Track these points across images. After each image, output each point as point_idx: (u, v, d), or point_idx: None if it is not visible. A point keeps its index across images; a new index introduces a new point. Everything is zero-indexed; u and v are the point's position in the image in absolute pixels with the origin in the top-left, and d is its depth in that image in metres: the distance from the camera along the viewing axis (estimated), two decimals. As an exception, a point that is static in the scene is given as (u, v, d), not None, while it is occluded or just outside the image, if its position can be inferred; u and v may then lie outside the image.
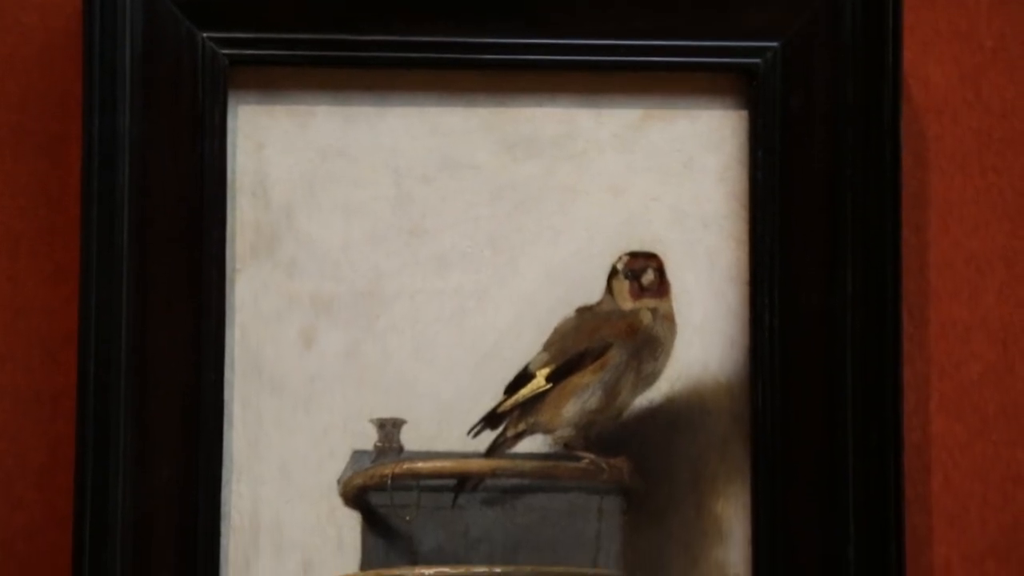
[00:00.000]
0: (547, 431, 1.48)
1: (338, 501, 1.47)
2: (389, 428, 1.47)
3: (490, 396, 1.48)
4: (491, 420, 1.48)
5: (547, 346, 1.48)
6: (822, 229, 1.45)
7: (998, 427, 1.49)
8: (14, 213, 1.49)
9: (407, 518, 1.47)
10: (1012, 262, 1.51)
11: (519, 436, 1.48)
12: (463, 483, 1.48)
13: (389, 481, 1.47)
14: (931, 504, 1.49)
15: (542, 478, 1.48)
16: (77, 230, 1.44)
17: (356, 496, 1.47)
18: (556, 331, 1.48)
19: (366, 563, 1.47)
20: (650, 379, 1.48)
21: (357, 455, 1.47)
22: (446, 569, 1.46)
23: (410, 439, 1.48)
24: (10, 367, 1.48)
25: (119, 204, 1.44)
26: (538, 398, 1.48)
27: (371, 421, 1.47)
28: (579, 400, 1.48)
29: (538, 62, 1.47)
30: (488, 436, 1.48)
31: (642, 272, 1.48)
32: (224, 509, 1.45)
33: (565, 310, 1.48)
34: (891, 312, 1.44)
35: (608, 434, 1.48)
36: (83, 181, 1.43)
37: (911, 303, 1.49)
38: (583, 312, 1.48)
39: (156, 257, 1.45)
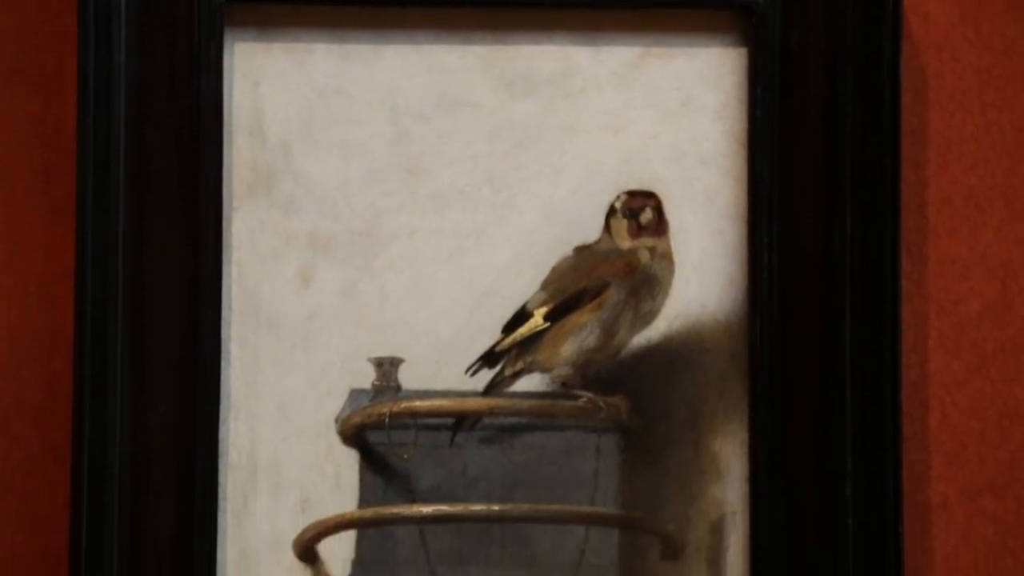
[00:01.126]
0: (545, 370, 1.48)
1: (336, 439, 1.47)
2: (387, 367, 1.47)
3: (488, 335, 1.48)
4: (489, 359, 1.48)
5: (545, 285, 1.48)
6: (821, 167, 1.45)
7: (996, 364, 1.49)
8: (10, 150, 1.49)
9: (405, 456, 1.47)
10: (1011, 199, 1.50)
11: (517, 375, 1.48)
12: (461, 422, 1.48)
13: (387, 420, 1.47)
14: (929, 441, 1.49)
15: (540, 417, 1.48)
16: (73, 168, 1.43)
17: (354, 434, 1.47)
18: (554, 270, 1.48)
19: (364, 501, 1.47)
20: (648, 318, 1.48)
21: (355, 394, 1.47)
22: (444, 507, 1.46)
23: (408, 378, 1.47)
24: (6, 305, 1.48)
25: (115, 142, 1.43)
26: (536, 337, 1.48)
27: (369, 360, 1.47)
28: (577, 339, 1.48)
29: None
30: (486, 375, 1.48)
31: (640, 211, 1.48)
32: (222, 447, 1.45)
33: (563, 249, 1.48)
34: (890, 250, 1.44)
35: (606, 373, 1.48)
36: (79, 119, 1.43)
37: (910, 241, 1.48)
38: (581, 251, 1.48)
39: (152, 195, 1.44)
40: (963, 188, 1.50)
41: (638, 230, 1.48)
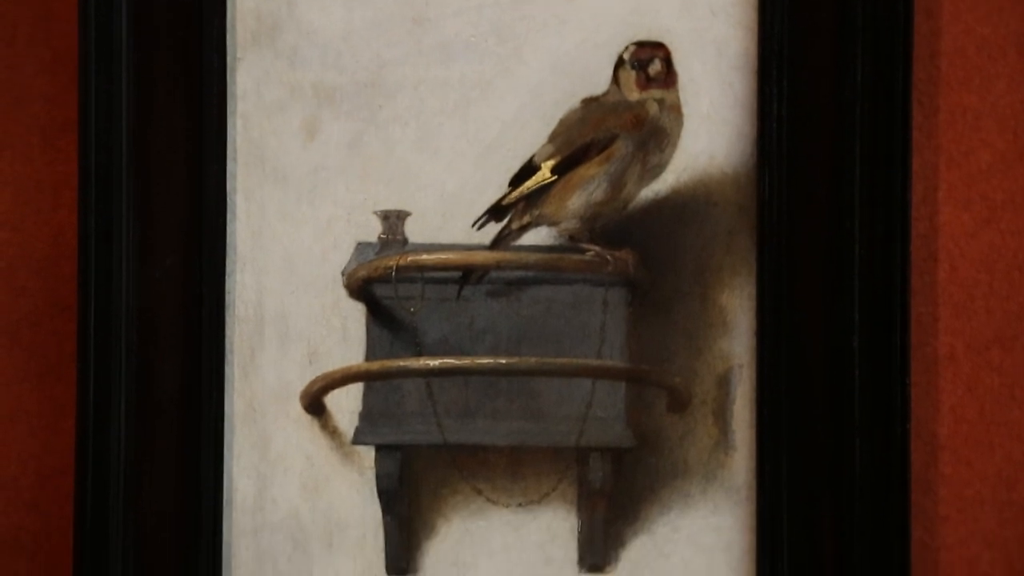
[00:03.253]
0: (552, 223, 1.48)
1: (342, 292, 1.47)
2: (393, 220, 1.47)
3: (495, 188, 1.47)
4: (496, 212, 1.47)
5: (552, 138, 1.47)
6: (831, 16, 1.43)
7: (1006, 216, 1.48)
8: (10, 1, 1.47)
9: (412, 310, 1.47)
10: (1025, 48, 1.49)
11: (524, 228, 1.48)
12: (468, 275, 1.47)
13: (393, 273, 1.47)
14: (937, 294, 1.48)
15: (547, 270, 1.47)
16: (75, 17, 1.42)
17: (360, 288, 1.47)
18: (561, 122, 1.47)
19: (371, 354, 1.47)
20: (656, 170, 1.47)
21: (361, 247, 1.47)
22: (451, 360, 1.47)
23: (414, 231, 1.47)
24: (9, 155, 1.47)
25: (117, -9, 1.42)
26: (543, 190, 1.47)
27: (375, 213, 1.47)
28: (585, 192, 1.47)
29: None
30: (493, 228, 1.47)
31: (649, 62, 1.46)
32: (228, 300, 1.46)
33: (571, 101, 1.47)
34: (900, 100, 1.42)
35: (613, 226, 1.47)
36: (80, -30, 1.42)
37: (921, 91, 1.47)
38: (589, 103, 1.47)
39: (156, 46, 1.43)
40: (976, 38, 1.48)
41: (646, 82, 1.46)
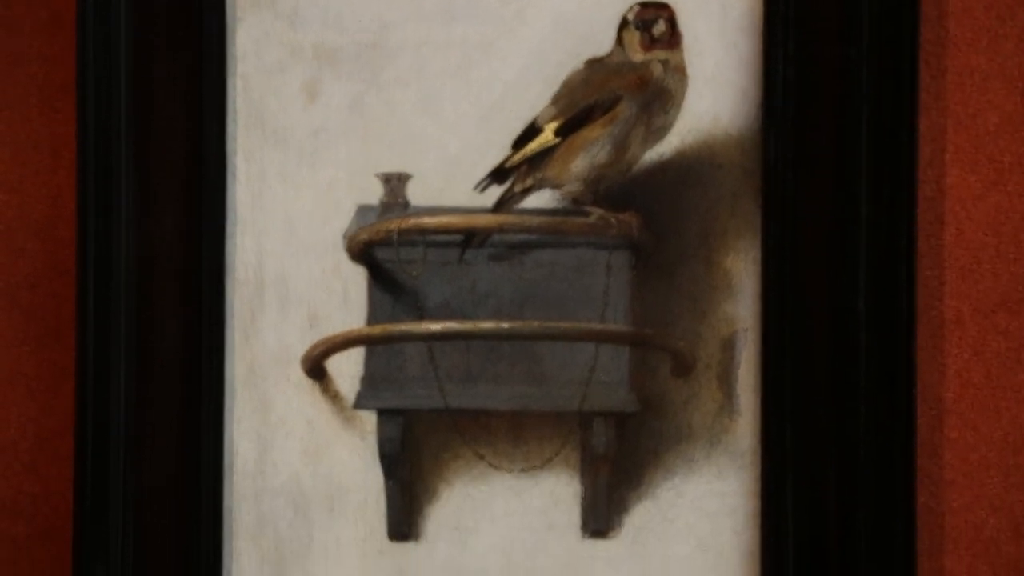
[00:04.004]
0: (555, 186, 1.47)
1: (343, 256, 1.46)
2: (395, 183, 1.46)
3: (497, 150, 1.46)
4: (498, 175, 1.46)
5: (555, 99, 1.46)
6: (838, -25, 1.42)
7: (1013, 178, 1.47)
8: (8, -41, 1.47)
9: (413, 273, 1.46)
10: (1034, 9, 1.48)
11: (527, 191, 1.47)
12: (470, 239, 1.46)
13: (395, 236, 1.46)
14: (943, 257, 1.47)
15: (550, 233, 1.46)
16: (73, -23, 1.41)
17: (361, 251, 1.46)
18: (565, 84, 1.46)
19: (372, 318, 1.46)
20: (660, 133, 1.46)
21: (362, 210, 1.46)
22: (453, 324, 1.46)
23: (416, 194, 1.46)
24: (7, 116, 1.47)
25: (115, -49, 1.41)
26: (546, 153, 1.46)
27: (376, 175, 1.46)
28: (588, 154, 1.46)
29: None
30: (495, 191, 1.46)
31: (653, 22, 1.45)
32: (229, 262, 1.45)
33: (574, 62, 1.46)
34: (907, 61, 1.41)
35: (617, 189, 1.46)
36: (78, -72, 1.41)
37: (928, 51, 1.46)
38: (592, 64, 1.46)
39: (154, 6, 1.42)
40: (984, -2, 1.48)
41: (651, 42, 1.45)
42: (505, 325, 1.46)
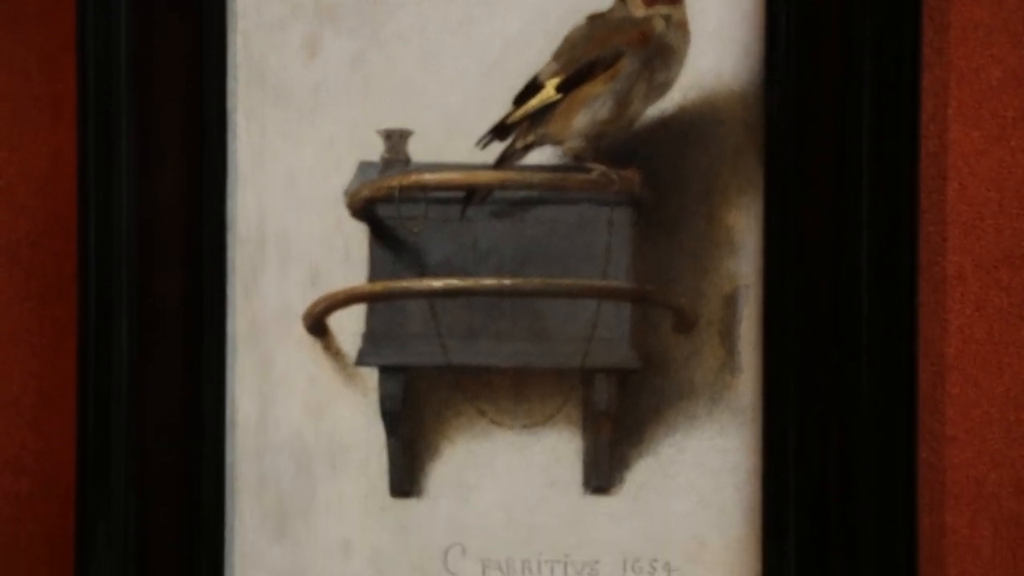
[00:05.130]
0: (557, 142, 1.46)
1: (345, 213, 1.46)
2: (396, 139, 1.46)
3: (499, 107, 1.45)
4: (500, 131, 1.46)
5: (557, 55, 1.45)
6: (841, -71, 1.41)
7: (1016, 133, 1.47)
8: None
9: (415, 230, 1.46)
10: (1038, -38, 1.47)
11: (528, 147, 1.46)
12: (471, 195, 1.46)
13: (396, 193, 1.45)
14: (946, 212, 1.47)
15: (552, 190, 1.46)
16: (69, -68, 1.41)
17: (363, 208, 1.46)
18: (566, 40, 1.45)
19: (374, 275, 1.46)
20: (662, 88, 1.45)
21: (363, 166, 1.46)
22: (455, 281, 1.46)
23: (417, 150, 1.46)
24: (7, 73, 1.46)
25: (114, -93, 1.41)
26: (548, 109, 1.46)
27: (377, 132, 1.45)
28: (590, 110, 1.46)
29: None
30: (497, 147, 1.46)
31: (655, -23, 1.45)
32: (229, 219, 1.45)
33: (575, 18, 1.45)
34: (910, 16, 1.40)
35: (619, 145, 1.46)
36: None
37: (931, 6, 1.45)
38: (594, 19, 1.45)
39: (154, -38, 1.42)
40: (988, -51, 1.47)
41: (653, -3, 1.45)
42: (507, 282, 1.46)
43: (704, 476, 1.46)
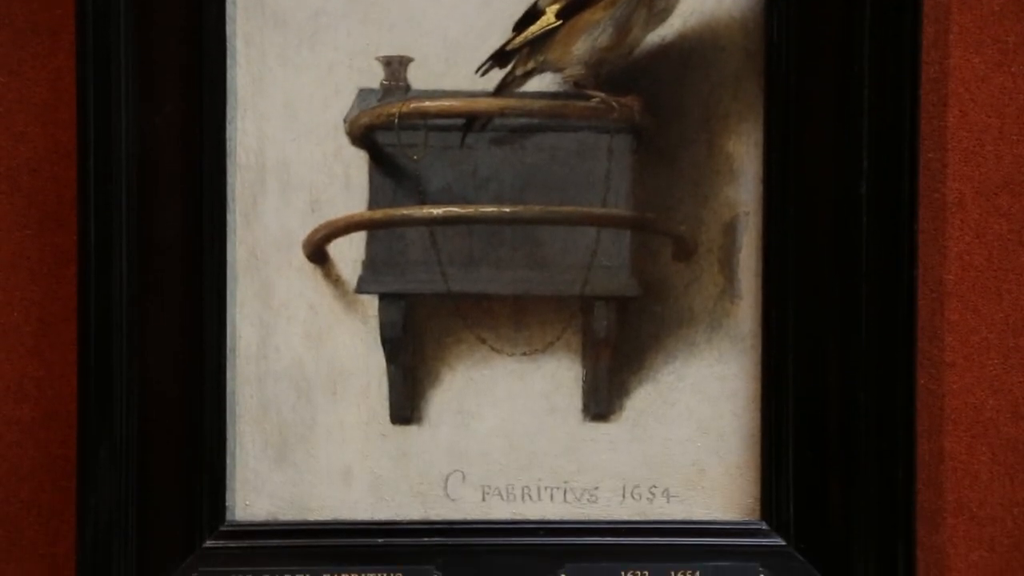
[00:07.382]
0: (557, 69, 1.46)
1: (344, 140, 1.45)
2: (396, 66, 1.45)
3: (498, 33, 1.45)
4: (500, 58, 1.45)
5: (557, -19, 1.45)
6: None
7: (1018, 59, 1.46)
8: None
9: (415, 157, 1.46)
10: None
11: (528, 74, 1.46)
12: (471, 122, 1.46)
13: (396, 120, 1.45)
14: (946, 139, 1.47)
15: (552, 117, 1.46)
16: None
17: (363, 135, 1.45)
18: (566, -35, 1.45)
19: (374, 202, 1.46)
20: (663, 15, 1.45)
21: (363, 93, 1.45)
22: (455, 209, 1.45)
23: (417, 77, 1.45)
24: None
25: None
26: (548, 35, 1.45)
27: (377, 59, 1.45)
28: (590, 37, 1.45)
29: None
30: (497, 75, 1.45)
31: (655, -97, 1.44)
32: (229, 147, 1.44)
33: (576, -56, 1.44)
34: (912, -59, 1.40)
35: (619, 72, 1.45)
36: None
37: (933, -69, 1.45)
38: (594, -55, 1.44)
39: None
40: None
41: (653, -77, 1.44)
42: (507, 209, 1.45)
43: (703, 403, 1.46)
